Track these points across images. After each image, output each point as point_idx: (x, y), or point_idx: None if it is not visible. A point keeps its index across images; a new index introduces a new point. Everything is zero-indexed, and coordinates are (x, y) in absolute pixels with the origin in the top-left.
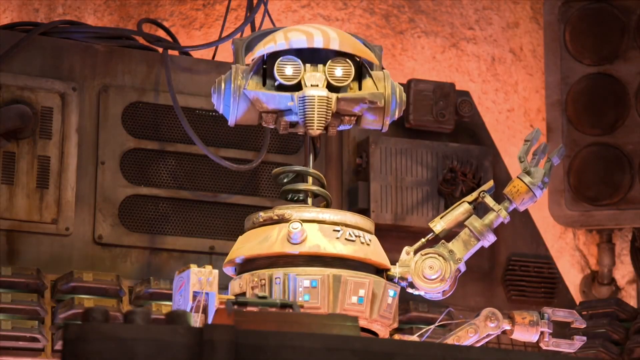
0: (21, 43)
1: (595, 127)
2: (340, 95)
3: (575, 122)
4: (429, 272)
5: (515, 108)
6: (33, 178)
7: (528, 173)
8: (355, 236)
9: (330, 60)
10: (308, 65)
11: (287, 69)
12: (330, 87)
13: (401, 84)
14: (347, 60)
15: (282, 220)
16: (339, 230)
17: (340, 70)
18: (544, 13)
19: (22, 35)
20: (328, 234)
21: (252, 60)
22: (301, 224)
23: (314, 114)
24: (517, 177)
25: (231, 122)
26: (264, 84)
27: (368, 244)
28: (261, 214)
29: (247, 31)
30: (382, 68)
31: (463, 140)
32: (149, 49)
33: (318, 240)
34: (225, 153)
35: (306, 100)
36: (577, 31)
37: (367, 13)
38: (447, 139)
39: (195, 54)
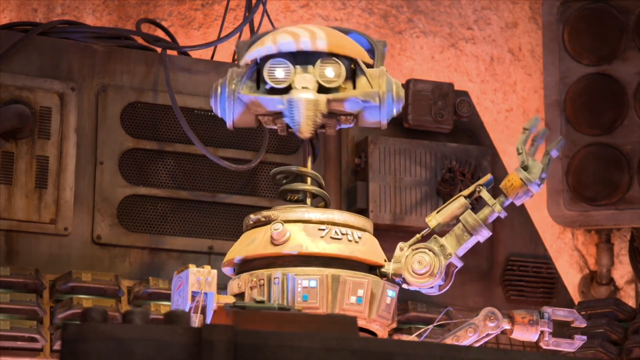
0: (20, 43)
1: (593, 127)
2: (331, 96)
3: (574, 122)
4: (418, 267)
5: (514, 108)
6: (32, 178)
7: (525, 168)
8: (342, 234)
9: (319, 61)
10: (299, 67)
11: (277, 72)
12: (322, 88)
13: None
14: (338, 60)
15: (269, 221)
16: (324, 229)
17: (330, 71)
18: (542, 13)
19: (21, 35)
20: (312, 233)
21: (245, 64)
22: (282, 225)
23: (301, 117)
24: (514, 171)
25: (229, 125)
26: (258, 87)
27: (357, 242)
28: (251, 216)
29: (246, 31)
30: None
31: (462, 140)
32: (148, 49)
33: (301, 240)
34: (224, 153)
35: (293, 104)
36: (575, 31)
37: (365, 13)
38: (445, 139)
39: (194, 54)
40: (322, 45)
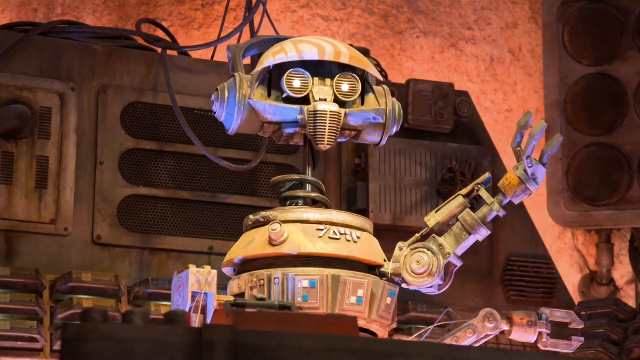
0: (20, 43)
1: (594, 127)
2: (348, 110)
3: (574, 122)
4: (416, 267)
5: (514, 108)
6: (32, 178)
7: (525, 168)
8: (340, 234)
9: (338, 75)
10: (316, 78)
11: (295, 82)
12: (337, 102)
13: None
14: (355, 75)
15: (267, 222)
16: (322, 229)
17: (346, 85)
18: (542, 13)
19: (21, 35)
20: (310, 233)
21: (259, 69)
22: (280, 225)
23: (325, 129)
24: (511, 169)
25: (232, 130)
26: (269, 94)
27: (355, 241)
28: (251, 216)
29: (246, 31)
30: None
31: (462, 140)
32: (148, 49)
33: (299, 240)
34: (224, 153)
35: (318, 115)
36: (575, 31)
37: (365, 13)
38: (445, 139)
39: (194, 54)
40: (345, 59)
